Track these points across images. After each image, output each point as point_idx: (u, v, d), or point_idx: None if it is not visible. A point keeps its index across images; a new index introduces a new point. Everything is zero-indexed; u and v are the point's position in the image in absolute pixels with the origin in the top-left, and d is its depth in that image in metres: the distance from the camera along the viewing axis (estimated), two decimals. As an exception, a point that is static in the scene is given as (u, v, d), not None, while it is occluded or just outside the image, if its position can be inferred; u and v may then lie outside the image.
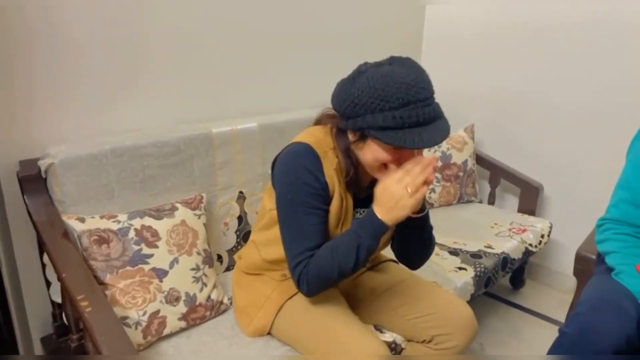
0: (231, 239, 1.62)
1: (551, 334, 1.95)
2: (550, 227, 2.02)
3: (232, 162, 1.59)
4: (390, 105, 0.90)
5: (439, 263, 1.68)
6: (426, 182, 0.93)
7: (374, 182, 1.05)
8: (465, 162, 2.19)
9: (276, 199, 1.09)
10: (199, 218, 1.43)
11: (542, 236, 1.95)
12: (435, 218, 2.13)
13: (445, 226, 2.00)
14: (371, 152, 0.99)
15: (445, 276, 1.60)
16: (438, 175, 2.16)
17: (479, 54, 2.30)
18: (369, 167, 1.04)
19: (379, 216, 0.98)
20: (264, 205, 1.24)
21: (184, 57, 1.59)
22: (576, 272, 1.50)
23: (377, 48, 2.17)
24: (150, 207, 1.37)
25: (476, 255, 1.74)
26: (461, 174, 2.18)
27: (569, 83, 2.04)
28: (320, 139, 1.08)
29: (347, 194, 1.12)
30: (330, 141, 1.09)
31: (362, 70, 0.96)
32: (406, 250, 1.21)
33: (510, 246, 1.82)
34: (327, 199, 1.07)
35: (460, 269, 1.65)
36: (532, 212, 2.14)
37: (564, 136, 2.10)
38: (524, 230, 1.93)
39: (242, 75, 1.77)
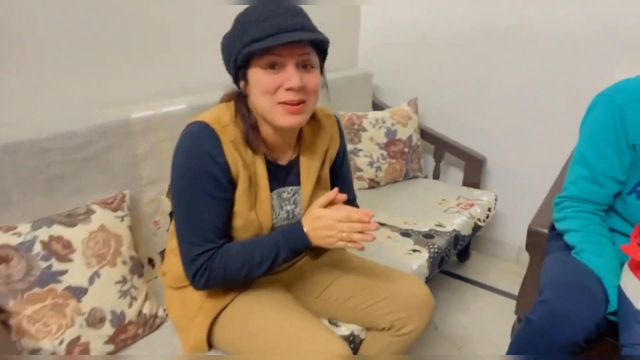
0: (163, 239, 1.43)
1: (499, 305, 2.01)
2: (496, 200, 2.01)
3: (157, 151, 1.38)
4: (253, 22, 0.89)
5: (391, 247, 1.59)
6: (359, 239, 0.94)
7: (297, 159, 1.07)
8: (410, 137, 2.11)
9: (171, 189, 1.00)
10: (122, 220, 1.23)
11: (489, 209, 1.93)
12: (383, 196, 2.14)
13: (394, 205, 1.92)
14: (255, 86, 0.93)
15: (400, 260, 1.52)
16: (384, 152, 2.06)
17: (420, 26, 2.20)
18: (264, 110, 0.95)
19: (305, 231, 0.97)
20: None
21: (87, 23, 1.33)
22: (529, 247, 1.47)
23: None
24: (60, 213, 1.14)
25: (428, 235, 1.67)
26: (406, 149, 2.10)
27: (513, 51, 2.00)
28: (220, 114, 0.99)
29: (257, 170, 1.02)
30: (231, 114, 1.00)
31: None
32: None
33: (460, 222, 1.77)
34: (230, 183, 0.98)
35: (414, 251, 1.57)
36: (476, 185, 2.12)
37: (506, 108, 2.07)
38: (472, 205, 1.90)
39: (164, 44, 1.53)
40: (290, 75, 0.91)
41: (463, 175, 2.17)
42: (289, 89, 0.92)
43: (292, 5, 0.92)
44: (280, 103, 0.93)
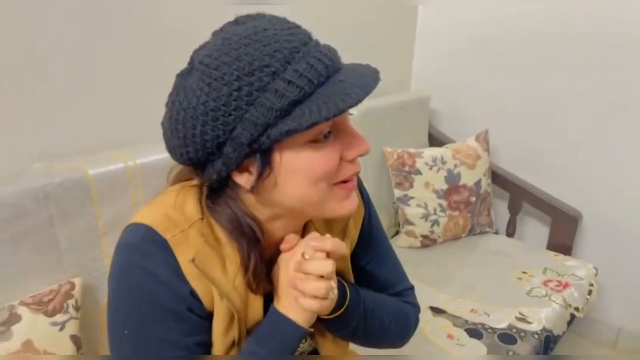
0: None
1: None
2: (596, 274, 1.49)
3: (128, 220, 0.98)
4: (271, 70, 0.51)
5: (454, 354, 1.13)
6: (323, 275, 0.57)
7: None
8: (478, 183, 1.62)
9: (108, 335, 0.60)
10: (61, 329, 0.84)
11: (590, 292, 1.42)
12: (439, 260, 1.57)
13: (455, 277, 1.45)
14: (298, 174, 0.55)
15: (467, 381, 1.05)
16: (443, 202, 1.59)
17: (495, 34, 1.71)
18: (315, 202, 0.58)
19: (284, 312, 0.61)
20: None
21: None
22: None
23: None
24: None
25: (507, 337, 1.19)
26: (473, 199, 1.62)
27: (625, 67, 1.48)
28: (172, 209, 0.60)
29: (248, 300, 0.63)
30: (193, 208, 0.60)
31: (186, 70, 0.56)
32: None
33: (551, 315, 1.28)
34: (201, 317, 0.60)
35: (488, 365, 1.10)
36: (567, 250, 1.61)
37: (610, 147, 1.55)
38: (566, 285, 1.39)
39: (134, 75, 1.14)
40: (357, 138, 0.58)
41: (549, 234, 1.66)
42: (353, 160, 0.59)
43: (286, 19, 0.56)
44: (338, 183, 0.59)
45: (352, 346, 0.90)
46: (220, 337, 0.61)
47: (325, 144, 0.55)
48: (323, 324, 0.68)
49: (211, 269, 0.59)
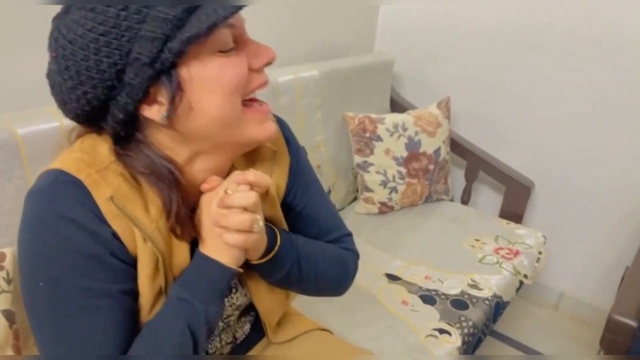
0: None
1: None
2: (544, 242, 1.54)
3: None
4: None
5: (408, 321, 1.14)
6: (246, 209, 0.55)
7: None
8: (437, 151, 1.62)
9: (22, 294, 0.55)
10: (-10, 304, 0.77)
11: (538, 260, 1.47)
12: (396, 227, 1.56)
13: (411, 242, 1.46)
14: (211, 86, 0.53)
15: (420, 347, 1.07)
16: (402, 170, 1.57)
17: (462, 3, 1.66)
18: (231, 122, 0.56)
19: (209, 254, 0.58)
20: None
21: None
22: (605, 342, 1.06)
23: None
24: None
25: (460, 304, 1.21)
26: (432, 167, 1.61)
27: (581, 50, 1.49)
28: (87, 151, 0.56)
29: (172, 245, 0.60)
30: (109, 150, 0.57)
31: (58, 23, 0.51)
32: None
33: (502, 282, 1.31)
34: (124, 262, 0.56)
35: (441, 331, 1.12)
36: (518, 218, 1.65)
37: (568, 119, 1.58)
38: (517, 253, 1.43)
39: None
40: (261, 47, 0.58)
41: (502, 202, 1.69)
42: (260, 68, 0.58)
43: None
44: (250, 103, 0.59)
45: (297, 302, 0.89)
46: (146, 283, 0.57)
47: (231, 54, 0.54)
48: (256, 271, 0.66)
49: (132, 209, 0.55)
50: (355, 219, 1.58)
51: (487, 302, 1.23)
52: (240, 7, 0.50)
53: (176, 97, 0.52)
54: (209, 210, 0.58)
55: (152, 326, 0.57)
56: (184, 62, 0.51)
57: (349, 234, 0.81)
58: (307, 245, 0.72)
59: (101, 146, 0.57)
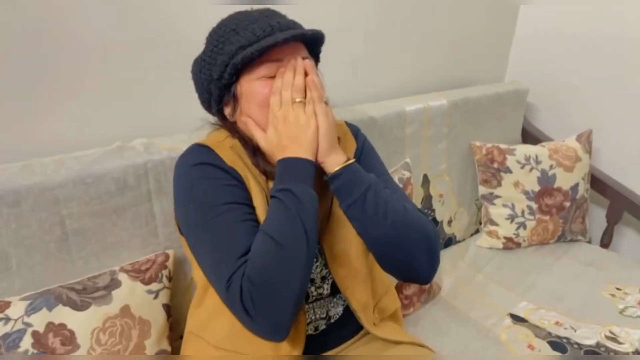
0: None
1: None
2: None
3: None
4: (236, 29, 0.75)
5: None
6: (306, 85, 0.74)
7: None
8: (575, 187, 1.50)
9: (179, 222, 0.79)
10: (155, 297, 0.91)
11: (694, 318, 1.28)
12: (523, 266, 1.46)
13: (540, 282, 1.37)
14: (250, 101, 0.76)
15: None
16: (533, 205, 1.49)
17: (604, 25, 1.54)
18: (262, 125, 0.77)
19: (286, 154, 0.72)
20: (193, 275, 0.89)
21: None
22: None
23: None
24: (72, 283, 0.85)
25: (593, 355, 1.11)
26: (567, 204, 1.50)
27: None
28: (211, 136, 0.84)
29: (268, 182, 0.79)
30: (226, 134, 0.82)
31: None
32: (370, 240, 0.77)
33: (647, 338, 1.17)
34: (243, 189, 0.75)
35: (571, 385, 1.03)
36: (671, 269, 1.45)
37: None
38: (668, 309, 1.26)
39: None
40: (296, 83, 0.74)
41: (650, 249, 1.51)
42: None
43: (273, 10, 0.79)
44: None
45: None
46: (261, 206, 0.74)
47: (269, 80, 0.74)
48: (332, 191, 0.74)
49: (241, 160, 0.77)
50: (477, 253, 1.53)
51: (626, 356, 1.11)
52: (265, 47, 0.70)
53: (234, 102, 0.78)
54: (272, 119, 0.73)
55: (266, 219, 0.70)
56: (239, 83, 0.76)
57: (422, 212, 0.82)
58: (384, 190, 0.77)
59: (220, 132, 0.83)
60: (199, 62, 0.79)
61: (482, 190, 1.54)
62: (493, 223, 1.53)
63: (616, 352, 1.11)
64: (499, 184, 1.51)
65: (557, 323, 1.21)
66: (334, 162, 0.73)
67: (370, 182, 0.74)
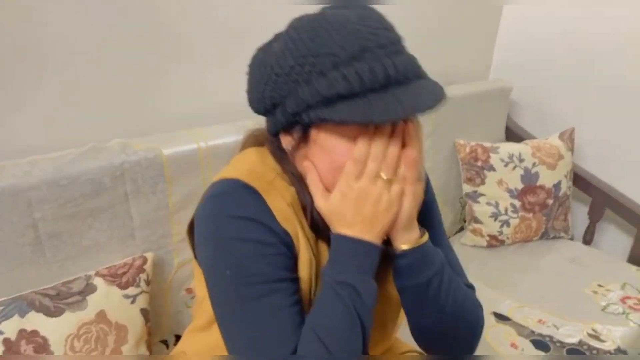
0: (198, 313, 1.07)
1: None
2: (684, 296, 1.36)
3: (197, 199, 1.00)
4: (335, 59, 0.53)
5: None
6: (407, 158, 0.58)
7: None
8: (557, 185, 1.51)
9: (207, 282, 0.63)
10: (132, 302, 0.88)
11: (675, 315, 1.30)
12: (507, 264, 1.46)
13: (524, 280, 1.37)
14: (324, 155, 0.59)
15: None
16: (516, 203, 1.50)
17: (587, 24, 1.55)
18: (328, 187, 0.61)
19: (353, 234, 0.58)
20: (196, 293, 0.75)
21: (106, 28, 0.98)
22: None
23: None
24: (48, 287, 0.82)
25: (576, 354, 1.11)
26: (550, 201, 1.51)
27: None
28: (255, 165, 0.65)
29: (318, 242, 0.66)
30: (273, 164, 0.66)
31: (280, 33, 0.60)
32: (419, 326, 0.68)
33: (628, 335, 1.18)
34: (291, 256, 0.62)
35: (554, 383, 1.04)
36: (652, 265, 1.47)
37: None
38: (648, 305, 1.28)
39: (200, 56, 1.14)
40: (389, 158, 0.58)
41: (632, 246, 1.52)
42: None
43: (379, 18, 0.57)
44: None
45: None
46: (305, 270, 0.62)
47: (352, 142, 0.57)
48: (398, 268, 0.62)
49: (295, 212, 0.62)
50: (461, 251, 1.53)
51: (609, 355, 1.11)
52: (370, 123, 0.55)
53: (300, 143, 0.61)
54: (355, 194, 0.58)
55: (313, 315, 0.59)
56: (318, 126, 0.58)
57: (473, 287, 0.73)
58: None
59: (267, 161, 0.65)
60: (268, 69, 0.58)
61: (466, 188, 1.54)
62: (477, 221, 1.53)
63: (598, 351, 1.12)
64: (483, 182, 1.51)
65: (540, 321, 1.22)
66: (405, 239, 0.61)
67: (439, 266, 0.63)
